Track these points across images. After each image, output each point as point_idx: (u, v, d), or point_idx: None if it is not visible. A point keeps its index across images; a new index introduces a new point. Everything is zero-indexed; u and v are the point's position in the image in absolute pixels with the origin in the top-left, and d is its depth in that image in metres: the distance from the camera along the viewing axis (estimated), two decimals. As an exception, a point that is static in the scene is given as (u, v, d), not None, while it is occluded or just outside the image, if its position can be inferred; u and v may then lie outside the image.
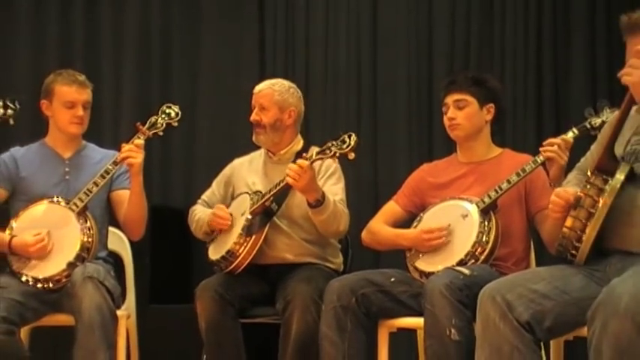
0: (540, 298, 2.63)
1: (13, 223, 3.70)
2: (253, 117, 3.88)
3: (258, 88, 3.92)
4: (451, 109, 3.55)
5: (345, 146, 3.47)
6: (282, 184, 3.64)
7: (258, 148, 4.00)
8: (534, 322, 2.61)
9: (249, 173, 3.97)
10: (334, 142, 3.50)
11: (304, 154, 3.60)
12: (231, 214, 3.78)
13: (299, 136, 3.98)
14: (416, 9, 4.84)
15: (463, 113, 3.53)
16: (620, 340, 2.31)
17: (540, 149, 3.27)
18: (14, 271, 3.62)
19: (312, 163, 3.52)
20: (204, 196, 4.04)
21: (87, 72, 4.17)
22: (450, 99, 3.56)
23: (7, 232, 3.68)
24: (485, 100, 3.54)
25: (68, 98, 3.82)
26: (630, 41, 2.74)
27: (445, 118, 3.58)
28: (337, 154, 3.50)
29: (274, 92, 3.87)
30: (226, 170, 4.07)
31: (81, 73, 3.98)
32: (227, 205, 3.90)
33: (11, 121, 3.70)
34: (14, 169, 3.86)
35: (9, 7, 5.36)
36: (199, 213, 3.92)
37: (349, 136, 3.48)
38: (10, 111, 3.68)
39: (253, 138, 3.93)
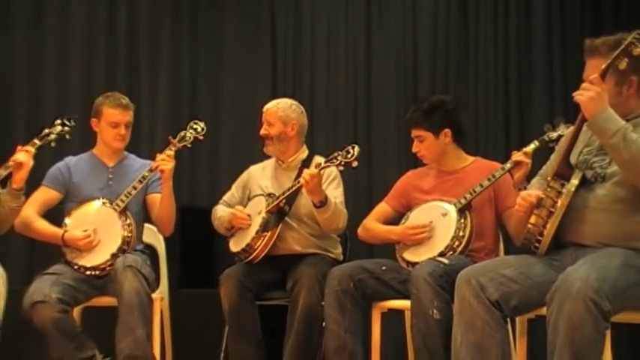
0: (508, 281, 2.64)
1: (66, 221, 3.71)
2: (262, 131, 3.90)
3: (265, 107, 3.93)
4: (415, 143, 3.56)
5: (349, 156, 3.49)
6: (293, 188, 3.67)
7: (270, 157, 4.00)
8: (502, 302, 2.62)
9: (262, 178, 3.96)
10: (340, 153, 3.52)
11: (316, 163, 3.61)
12: (248, 215, 3.78)
13: (304, 146, 3.97)
14: (402, 39, 4.81)
15: (423, 146, 3.53)
16: (573, 318, 2.33)
17: (510, 158, 3.26)
18: (68, 261, 3.65)
19: (320, 170, 3.54)
20: (225, 198, 4.03)
21: (128, 93, 4.17)
22: (412, 134, 3.55)
23: (62, 228, 3.69)
24: (440, 128, 3.49)
25: (113, 119, 3.84)
26: (588, 63, 2.73)
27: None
28: (343, 163, 3.51)
29: (278, 109, 3.88)
30: (243, 176, 4.06)
31: (124, 94, 3.99)
32: (244, 205, 3.91)
33: (67, 136, 3.73)
34: (67, 175, 3.87)
35: (65, 38, 5.35)
36: (221, 212, 3.92)
37: (352, 147, 3.50)
38: (66, 128, 3.71)
39: (264, 149, 3.93)
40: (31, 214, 3.75)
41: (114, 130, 3.85)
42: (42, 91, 5.36)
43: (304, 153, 3.95)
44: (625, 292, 2.43)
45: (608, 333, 2.42)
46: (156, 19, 5.29)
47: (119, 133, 3.85)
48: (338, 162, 3.52)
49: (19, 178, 3.50)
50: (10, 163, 3.51)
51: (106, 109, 3.85)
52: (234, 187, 4.06)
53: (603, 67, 2.60)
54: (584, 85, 2.59)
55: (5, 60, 5.42)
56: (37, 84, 5.38)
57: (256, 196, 3.88)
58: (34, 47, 5.40)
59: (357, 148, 3.50)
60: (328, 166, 3.55)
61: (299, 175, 3.69)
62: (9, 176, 3.52)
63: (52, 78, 5.36)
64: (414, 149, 3.56)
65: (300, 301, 3.49)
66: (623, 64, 2.59)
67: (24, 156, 3.52)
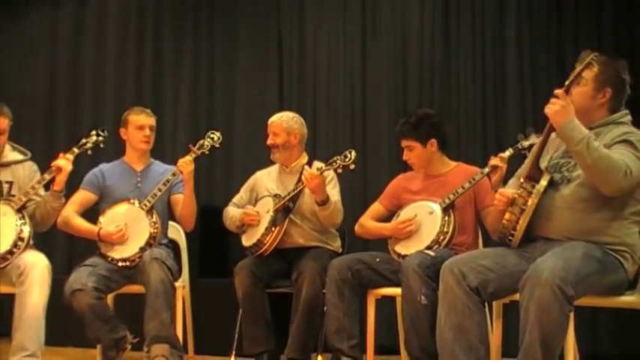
0: (486, 270, 2.64)
1: (101, 219, 3.73)
2: (269, 141, 3.90)
3: (270, 120, 3.93)
4: (405, 152, 3.53)
5: (347, 160, 3.51)
6: (297, 189, 3.67)
7: (275, 163, 3.99)
8: (481, 288, 2.62)
9: (268, 181, 3.96)
10: (339, 157, 3.54)
11: (318, 167, 3.61)
12: (257, 213, 3.78)
13: (304, 153, 3.97)
14: (393, 59, 4.78)
15: (412, 154, 3.51)
16: (542, 302, 2.34)
17: (488, 163, 3.29)
18: (102, 254, 3.67)
19: (321, 172, 3.54)
20: (234, 200, 4.02)
21: (154, 107, 4.22)
22: (402, 144, 3.53)
23: (97, 225, 3.70)
24: (427, 138, 3.47)
25: (138, 123, 3.87)
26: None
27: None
28: (341, 166, 3.53)
29: (282, 121, 3.89)
30: (250, 180, 4.05)
31: (150, 108, 4.03)
32: (253, 205, 3.91)
33: (101, 145, 3.77)
34: (102, 179, 3.90)
35: (101, 61, 5.43)
36: (232, 212, 3.92)
37: (350, 152, 3.52)
38: (100, 138, 3.75)
39: (271, 157, 3.94)
40: (70, 213, 3.78)
41: (140, 133, 3.87)
42: (80, 106, 5.46)
43: (304, 159, 3.95)
44: (586, 279, 2.45)
45: (572, 315, 2.44)
46: (178, 42, 5.34)
47: (144, 134, 3.87)
48: (337, 165, 3.54)
49: (60, 182, 3.54)
50: (53, 168, 3.55)
51: (132, 116, 3.90)
52: (242, 190, 4.05)
53: (567, 82, 2.63)
54: (552, 99, 2.61)
55: (49, 79, 5.52)
56: (76, 100, 5.49)
57: (264, 197, 3.88)
58: (74, 69, 5.51)
59: (353, 153, 3.52)
60: (329, 168, 3.56)
61: (300, 178, 3.69)
62: (52, 180, 3.55)
63: (89, 95, 5.46)
64: (405, 157, 3.55)
65: (304, 290, 3.49)
66: (590, 77, 2.67)
67: (64, 162, 3.55)
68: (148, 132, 3.89)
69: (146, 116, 3.91)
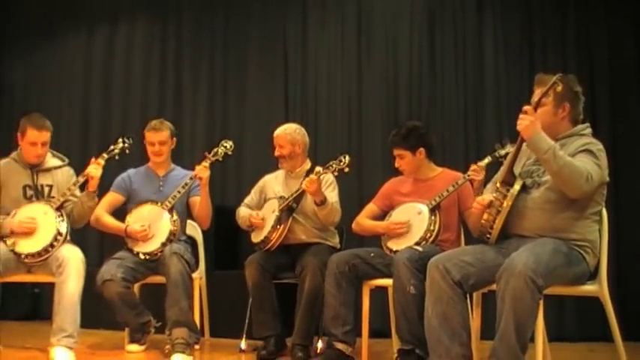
0: (467, 265, 2.66)
1: (128, 217, 3.77)
2: (276, 153, 3.88)
3: (275, 133, 3.90)
4: (397, 160, 3.52)
5: (341, 163, 3.52)
6: (299, 191, 3.67)
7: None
8: (463, 281, 2.65)
9: (275, 184, 3.95)
10: (334, 161, 3.54)
11: (315, 170, 3.61)
12: (262, 218, 3.76)
13: (307, 160, 3.97)
14: (386, 75, 4.77)
15: (404, 162, 3.50)
16: (516, 292, 2.38)
17: (468, 172, 3.29)
18: (129, 248, 3.71)
19: (319, 176, 3.54)
20: (245, 201, 4.00)
21: (174, 119, 4.25)
22: (394, 153, 3.52)
23: (125, 223, 3.74)
24: (416, 147, 3.47)
25: (149, 139, 3.91)
26: (535, 90, 2.76)
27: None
28: (337, 169, 3.53)
29: (286, 134, 3.86)
30: (259, 183, 4.04)
31: (170, 120, 4.03)
32: (261, 205, 3.89)
33: (127, 151, 3.81)
34: (129, 183, 3.94)
35: (128, 76, 5.46)
36: (243, 212, 3.91)
37: (344, 157, 3.54)
38: (126, 145, 3.79)
39: (279, 166, 3.93)
40: (101, 212, 3.81)
41: (150, 148, 3.90)
42: (110, 118, 5.47)
43: (308, 165, 3.94)
44: (554, 271, 2.48)
45: (542, 302, 2.47)
46: (195, 61, 5.35)
47: (153, 150, 3.89)
48: (333, 169, 3.55)
49: (93, 184, 3.58)
50: (86, 172, 3.59)
51: (146, 132, 3.92)
52: (252, 192, 4.04)
53: (535, 99, 2.67)
54: (521, 115, 2.65)
55: (83, 94, 5.56)
56: (107, 112, 5.50)
57: (271, 199, 3.87)
58: (105, 86, 5.53)
59: (347, 157, 3.53)
60: (326, 172, 3.56)
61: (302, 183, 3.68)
62: (85, 182, 3.60)
63: (118, 106, 5.47)
64: (397, 165, 3.54)
65: (307, 282, 3.49)
66: (550, 97, 2.68)
67: (94, 170, 3.59)
68: (157, 147, 3.89)
69: (154, 133, 3.89)
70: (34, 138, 3.63)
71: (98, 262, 3.87)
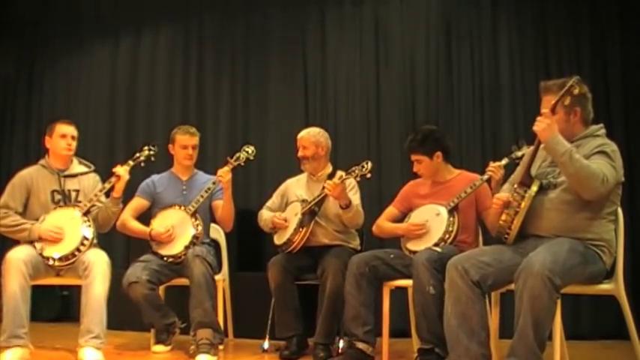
0: (485, 265, 2.67)
1: (153, 222, 3.80)
2: (299, 154, 3.90)
3: (299, 135, 3.93)
4: (414, 165, 3.52)
5: (364, 169, 3.52)
6: (321, 195, 3.68)
7: (303, 172, 4.01)
8: (482, 281, 2.65)
9: (297, 188, 3.96)
10: (357, 167, 3.54)
11: (338, 175, 3.62)
12: (285, 219, 3.78)
13: (329, 164, 3.98)
14: (403, 81, 4.77)
15: (422, 166, 3.50)
16: (533, 291, 2.37)
17: (487, 170, 3.27)
18: (154, 251, 3.73)
19: (342, 181, 3.54)
20: (267, 204, 4.02)
21: (197, 124, 4.26)
22: (412, 158, 3.52)
23: (149, 227, 3.77)
24: (432, 152, 3.47)
25: (183, 143, 3.92)
26: (544, 99, 2.78)
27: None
28: (359, 175, 3.53)
29: (310, 136, 3.89)
30: (282, 186, 4.05)
31: (193, 125, 4.06)
32: (283, 209, 3.90)
33: (152, 159, 3.84)
34: (153, 188, 3.97)
35: (153, 86, 5.51)
36: (265, 215, 3.93)
37: (367, 163, 3.53)
38: (151, 152, 3.82)
39: (302, 167, 3.94)
40: (127, 217, 3.85)
41: (184, 151, 3.92)
42: (135, 125, 5.52)
43: (329, 169, 3.95)
44: (571, 270, 2.47)
45: (559, 301, 2.46)
46: (218, 69, 5.38)
47: (187, 153, 3.92)
48: (355, 174, 3.55)
49: (118, 189, 3.62)
50: (113, 174, 3.63)
51: (178, 136, 3.94)
52: (274, 195, 4.05)
53: (553, 102, 2.65)
54: (538, 118, 2.65)
55: (109, 102, 5.63)
56: (132, 119, 5.55)
57: (293, 202, 3.89)
58: (130, 93, 5.58)
59: (370, 164, 3.53)
60: (349, 177, 3.57)
61: (324, 186, 3.69)
62: (111, 188, 3.64)
63: (143, 115, 5.52)
64: (415, 169, 3.54)
65: (328, 284, 3.50)
66: (567, 100, 2.65)
67: (122, 170, 3.63)
68: (190, 151, 3.92)
69: (190, 137, 3.93)
70: (64, 130, 3.73)
71: (124, 265, 3.91)
